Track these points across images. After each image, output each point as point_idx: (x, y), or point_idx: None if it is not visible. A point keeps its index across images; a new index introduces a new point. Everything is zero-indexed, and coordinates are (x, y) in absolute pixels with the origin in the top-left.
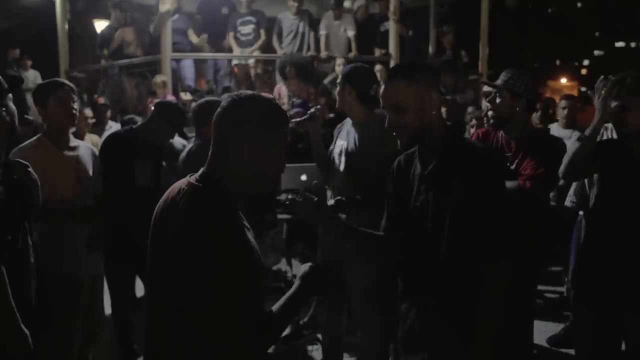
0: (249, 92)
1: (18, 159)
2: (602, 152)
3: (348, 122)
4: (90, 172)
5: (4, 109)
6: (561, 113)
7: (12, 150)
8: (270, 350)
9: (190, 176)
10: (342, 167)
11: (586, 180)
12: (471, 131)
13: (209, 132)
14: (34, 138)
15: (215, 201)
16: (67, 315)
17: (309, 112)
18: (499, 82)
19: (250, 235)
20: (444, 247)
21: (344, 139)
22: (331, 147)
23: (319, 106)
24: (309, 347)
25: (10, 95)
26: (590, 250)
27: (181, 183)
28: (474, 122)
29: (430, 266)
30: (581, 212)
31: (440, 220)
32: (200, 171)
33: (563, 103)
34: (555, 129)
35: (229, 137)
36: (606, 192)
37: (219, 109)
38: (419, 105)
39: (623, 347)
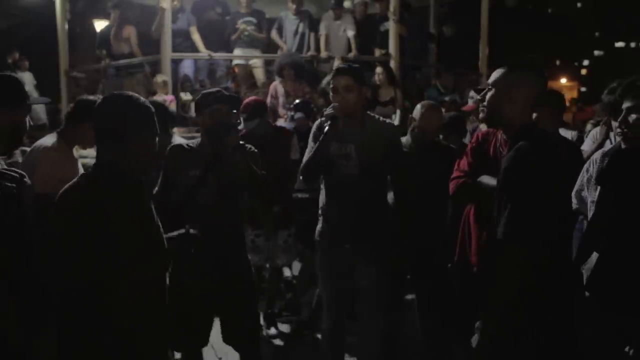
0: (122, 92)
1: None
2: (617, 162)
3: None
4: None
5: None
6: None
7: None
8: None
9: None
10: (352, 170)
11: (585, 182)
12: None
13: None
14: (53, 138)
15: (112, 187)
16: None
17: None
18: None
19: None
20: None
21: (343, 141)
22: (312, 148)
23: (331, 108)
24: (309, 347)
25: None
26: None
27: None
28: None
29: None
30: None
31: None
32: (94, 164)
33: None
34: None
35: (117, 130)
36: (621, 201)
37: (97, 108)
38: (506, 92)
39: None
